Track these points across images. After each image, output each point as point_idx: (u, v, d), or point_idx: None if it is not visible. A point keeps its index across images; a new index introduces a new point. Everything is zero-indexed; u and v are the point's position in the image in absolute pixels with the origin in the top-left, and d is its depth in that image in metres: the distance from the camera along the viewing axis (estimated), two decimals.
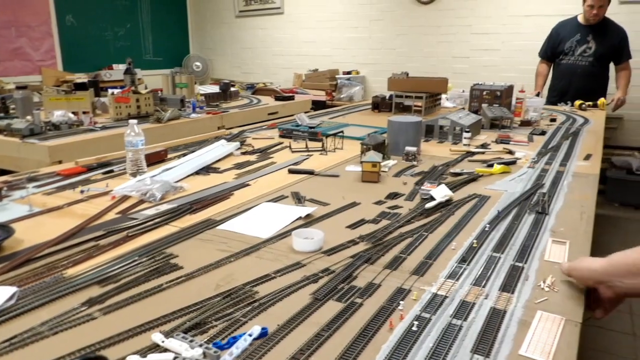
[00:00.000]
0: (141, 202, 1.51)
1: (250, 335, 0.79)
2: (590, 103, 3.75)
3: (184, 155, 2.09)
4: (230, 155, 2.13)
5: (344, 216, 1.39)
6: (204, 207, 1.45)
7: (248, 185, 1.69)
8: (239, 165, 1.96)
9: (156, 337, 0.79)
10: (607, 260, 0.93)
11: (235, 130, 2.76)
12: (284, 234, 1.24)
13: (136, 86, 4.01)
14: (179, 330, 0.81)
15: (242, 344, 0.77)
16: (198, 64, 7.15)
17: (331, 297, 0.93)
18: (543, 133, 2.73)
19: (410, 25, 5.79)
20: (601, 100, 3.79)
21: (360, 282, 0.99)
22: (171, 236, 1.23)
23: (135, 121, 1.78)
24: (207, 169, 1.90)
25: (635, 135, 4.79)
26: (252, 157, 2.11)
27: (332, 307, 0.90)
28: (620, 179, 4.23)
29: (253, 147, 2.30)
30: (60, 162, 2.30)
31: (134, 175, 1.78)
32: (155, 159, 2.00)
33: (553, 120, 3.18)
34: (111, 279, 1.01)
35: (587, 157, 2.14)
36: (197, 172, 1.86)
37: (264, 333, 0.81)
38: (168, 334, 0.80)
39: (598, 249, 1.11)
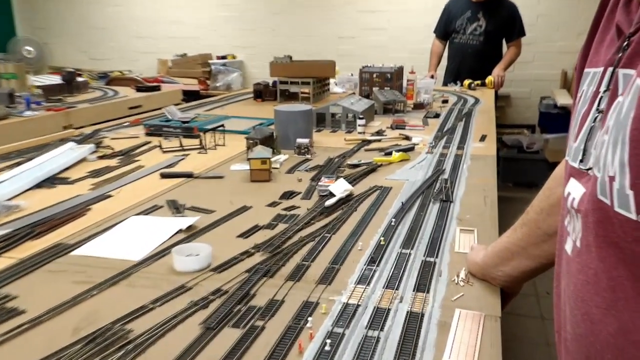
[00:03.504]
0: None
1: None
2: (479, 82, 4.10)
3: (18, 164, 1.87)
4: (83, 160, 1.98)
5: (233, 224, 1.35)
6: (51, 229, 1.32)
7: (109, 196, 1.58)
8: (95, 173, 1.83)
9: None
10: (485, 252, 1.02)
11: (87, 130, 2.56)
12: (162, 253, 1.17)
13: None
14: None
15: None
16: (30, 48, 6.48)
17: (226, 324, 0.88)
18: (437, 116, 2.92)
19: (287, 2, 5.84)
20: (489, 79, 4.16)
21: (259, 301, 0.96)
22: (6, 271, 1.08)
23: None
24: (52, 180, 1.74)
25: (523, 113, 5.36)
26: (113, 162, 1.98)
27: (228, 336, 0.85)
28: (512, 158, 4.70)
29: (113, 149, 2.15)
30: None
31: None
32: None
33: (445, 101, 3.41)
34: None
35: (483, 139, 2.32)
36: (39, 185, 1.69)
37: None
38: None
39: (502, 230, 1.19)
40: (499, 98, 4.61)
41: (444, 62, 4.59)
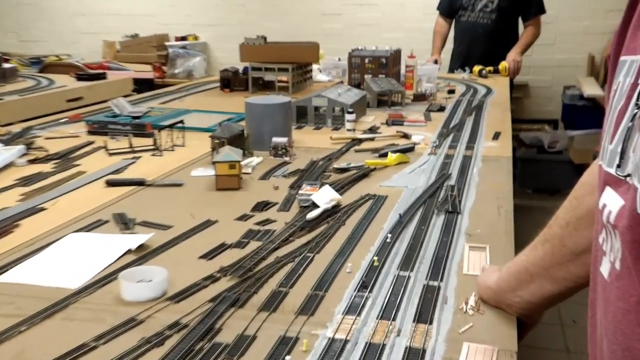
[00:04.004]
0: None
1: None
2: (491, 68, 4.14)
3: None
4: (10, 165, 1.96)
5: (195, 242, 1.34)
6: None
7: (43, 209, 1.58)
8: (25, 180, 1.82)
9: None
10: (499, 273, 1.02)
11: (16, 128, 2.54)
12: (107, 279, 1.16)
13: None
14: None
15: None
16: None
17: None
18: (442, 109, 2.94)
19: None
20: (503, 64, 4.20)
21: (226, 336, 0.95)
22: None
23: None
24: None
25: (544, 105, 5.42)
26: (47, 167, 1.97)
27: None
28: (531, 159, 4.75)
29: (47, 151, 2.14)
30: None
31: None
32: None
33: (451, 91, 3.44)
34: None
35: (496, 136, 2.35)
36: None
37: None
38: None
39: (521, 248, 1.20)
40: (515, 87, 4.66)
41: (450, 44, 4.63)
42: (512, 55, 4.31)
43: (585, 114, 4.71)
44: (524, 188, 4.73)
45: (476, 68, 4.13)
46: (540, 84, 5.39)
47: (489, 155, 2.05)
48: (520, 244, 1.29)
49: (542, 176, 4.71)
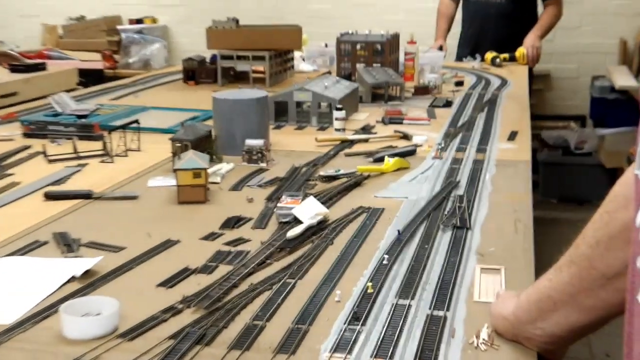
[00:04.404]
0: None
1: None
2: (506, 55, 4.17)
3: None
4: None
5: (152, 267, 1.34)
6: None
7: None
8: None
9: None
10: (517, 301, 1.03)
11: None
12: (45, 312, 1.15)
13: None
14: None
15: None
16: None
17: None
18: (448, 104, 2.96)
19: None
20: (520, 51, 4.23)
21: None
22: None
23: None
24: None
25: (569, 99, 5.45)
26: None
27: None
28: (555, 163, 4.77)
29: None
30: None
31: None
32: None
33: (459, 83, 3.46)
34: None
35: (513, 136, 2.36)
36: None
37: None
38: None
39: (542, 270, 1.21)
40: (534, 78, 4.69)
41: (457, 27, 4.66)
42: (531, 39, 4.33)
43: (618, 109, 4.73)
44: (546, 197, 4.75)
45: (488, 55, 4.15)
46: (565, 74, 5.42)
47: (504, 159, 2.06)
48: (542, 265, 1.29)
49: (568, 183, 4.74)
